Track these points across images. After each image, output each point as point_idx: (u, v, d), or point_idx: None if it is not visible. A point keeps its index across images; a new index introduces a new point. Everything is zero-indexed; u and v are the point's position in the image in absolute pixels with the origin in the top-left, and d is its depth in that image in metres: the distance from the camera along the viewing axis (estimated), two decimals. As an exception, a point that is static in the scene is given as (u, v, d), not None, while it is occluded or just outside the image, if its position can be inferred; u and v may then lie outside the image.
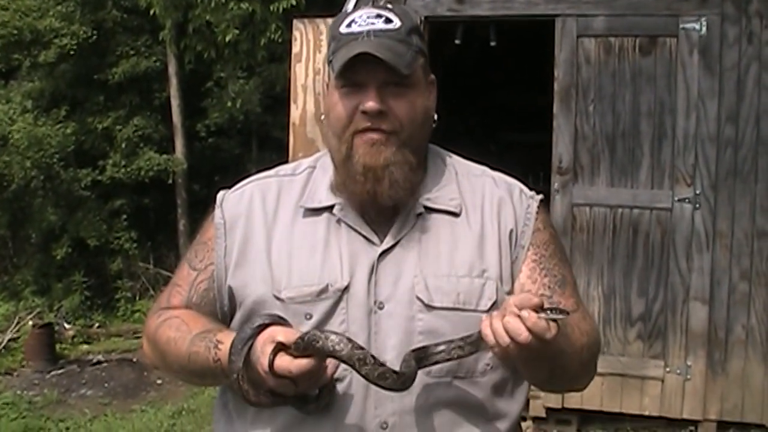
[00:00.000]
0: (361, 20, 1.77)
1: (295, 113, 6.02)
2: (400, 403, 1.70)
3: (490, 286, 1.77)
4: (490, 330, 1.53)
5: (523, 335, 1.48)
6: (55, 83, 11.61)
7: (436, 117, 1.88)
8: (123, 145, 11.14)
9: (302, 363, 1.55)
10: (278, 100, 9.88)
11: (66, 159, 10.97)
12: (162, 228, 12.03)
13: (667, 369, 5.64)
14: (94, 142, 11.45)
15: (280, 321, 1.66)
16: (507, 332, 1.50)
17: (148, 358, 1.92)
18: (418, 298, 1.73)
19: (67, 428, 6.81)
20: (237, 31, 10.28)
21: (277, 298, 1.74)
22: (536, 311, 1.50)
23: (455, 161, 1.93)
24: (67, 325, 9.95)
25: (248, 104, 11.12)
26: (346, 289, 1.73)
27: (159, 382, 7.96)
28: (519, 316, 1.49)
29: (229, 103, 11.09)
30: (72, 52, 11.10)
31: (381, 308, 1.73)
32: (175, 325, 1.79)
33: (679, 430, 5.63)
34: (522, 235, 1.84)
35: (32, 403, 7.51)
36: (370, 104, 1.72)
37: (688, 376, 5.62)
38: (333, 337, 1.55)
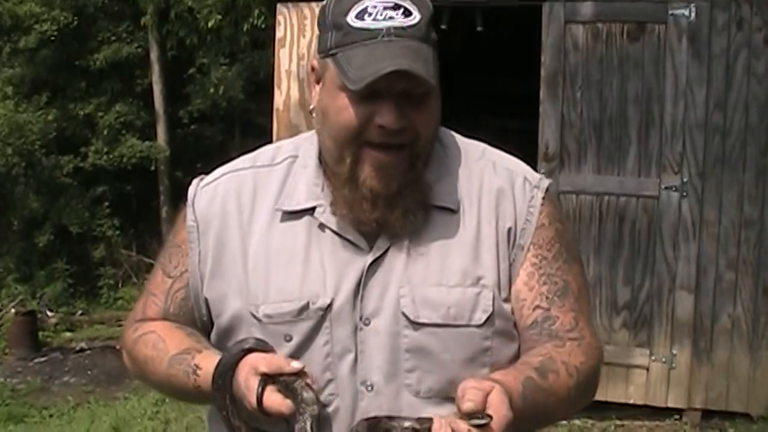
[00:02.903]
0: (376, 12, 1.51)
1: (278, 99, 5.97)
2: None
3: (485, 296, 1.57)
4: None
5: None
6: (36, 69, 11.52)
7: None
8: (105, 132, 11.08)
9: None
10: (261, 86, 9.81)
11: (47, 146, 10.91)
12: (144, 215, 11.98)
13: (653, 357, 5.63)
14: (76, 128, 11.39)
15: (260, 345, 1.53)
16: None
17: (129, 371, 1.77)
18: (404, 314, 1.55)
19: (51, 415, 6.78)
20: (219, 17, 10.22)
21: (254, 317, 1.57)
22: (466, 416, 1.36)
23: (453, 142, 1.70)
24: (49, 313, 9.91)
25: (231, 91, 11.07)
26: (329, 307, 1.55)
27: (142, 370, 7.91)
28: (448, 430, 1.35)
29: (212, 90, 11.04)
30: (53, 38, 11.03)
31: (367, 324, 1.56)
32: (151, 342, 1.65)
33: (663, 418, 5.63)
34: (522, 233, 1.62)
35: (15, 391, 7.49)
36: (390, 120, 1.50)
37: (674, 365, 5.61)
38: (306, 397, 1.44)
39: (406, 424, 1.42)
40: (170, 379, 1.60)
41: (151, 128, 11.70)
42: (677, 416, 5.64)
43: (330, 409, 1.55)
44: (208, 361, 1.54)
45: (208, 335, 1.68)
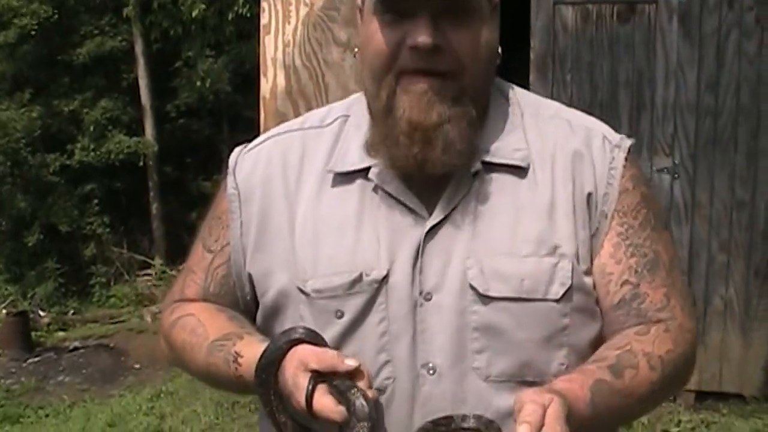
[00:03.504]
0: None
1: (265, 87, 5.92)
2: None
3: (563, 266, 1.39)
4: None
5: None
6: (17, 65, 11.42)
7: (500, 51, 1.47)
8: (91, 128, 11.01)
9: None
10: (248, 78, 9.79)
11: (33, 144, 10.85)
12: (135, 212, 11.94)
13: (647, 340, 5.63)
14: (61, 125, 11.31)
15: (311, 336, 1.36)
16: None
17: (166, 357, 1.63)
18: (472, 287, 1.37)
19: (47, 415, 6.74)
20: (204, 6, 10.14)
21: (302, 292, 1.42)
22: None
23: (520, 96, 1.53)
24: (41, 313, 9.86)
25: (218, 83, 11.03)
26: (385, 279, 1.39)
27: (137, 366, 7.92)
28: None
29: (199, 83, 11.00)
30: (33, 33, 10.91)
31: (428, 299, 1.38)
32: (190, 326, 1.51)
33: (659, 401, 5.63)
34: (605, 199, 1.43)
35: (10, 392, 7.43)
36: (423, 38, 1.33)
37: (668, 347, 5.61)
38: (359, 409, 1.27)
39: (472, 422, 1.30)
40: (209, 367, 1.47)
41: (138, 123, 11.66)
42: (671, 398, 5.65)
43: (386, 395, 1.39)
44: (250, 348, 1.39)
45: (252, 317, 1.54)
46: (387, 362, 1.39)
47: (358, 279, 1.39)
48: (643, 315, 1.43)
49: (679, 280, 1.49)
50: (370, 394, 1.31)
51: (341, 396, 1.28)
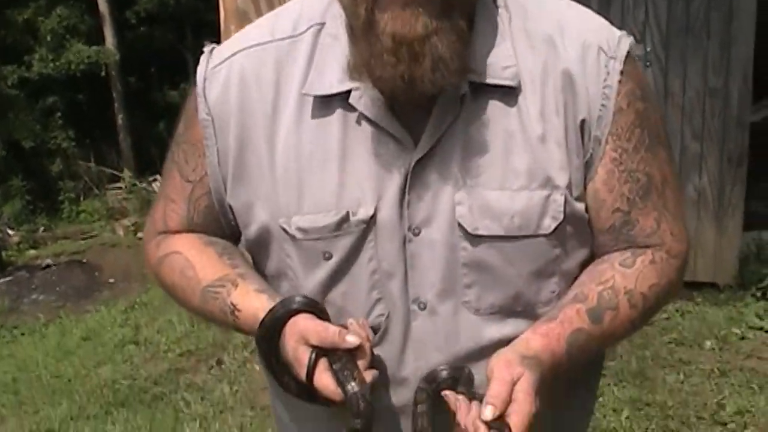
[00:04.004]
0: None
1: (223, -17, 5.75)
2: (446, 351, 1.37)
3: (555, 200, 1.33)
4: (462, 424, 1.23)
5: None
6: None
7: None
8: (48, 38, 10.75)
9: None
10: (209, -18, 9.53)
11: (-12, 56, 10.58)
12: (100, 124, 11.78)
13: (621, 232, 5.63)
14: (16, 36, 11.02)
15: (310, 305, 1.31)
16: None
17: (159, 285, 1.56)
18: (460, 225, 1.32)
19: (22, 334, 6.77)
20: None
21: (286, 232, 1.36)
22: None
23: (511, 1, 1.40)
24: (10, 232, 9.80)
25: (179, -12, 10.77)
26: (373, 217, 1.33)
27: (111, 281, 7.92)
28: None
29: (158, -12, 10.72)
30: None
31: (417, 234, 1.33)
32: (178, 267, 1.45)
33: (634, 292, 5.67)
34: (598, 122, 1.35)
35: (-17, 313, 7.43)
36: None
37: (642, 239, 5.62)
38: (351, 396, 1.23)
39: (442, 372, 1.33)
40: (206, 314, 1.43)
41: (98, 32, 11.40)
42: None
43: (379, 332, 1.37)
44: (247, 300, 1.36)
45: (239, 241, 1.50)
46: (379, 300, 1.37)
47: (345, 219, 1.34)
48: (632, 241, 1.40)
49: (673, 201, 1.43)
50: (368, 377, 1.26)
51: (340, 386, 1.25)
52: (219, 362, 5.36)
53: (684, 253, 1.44)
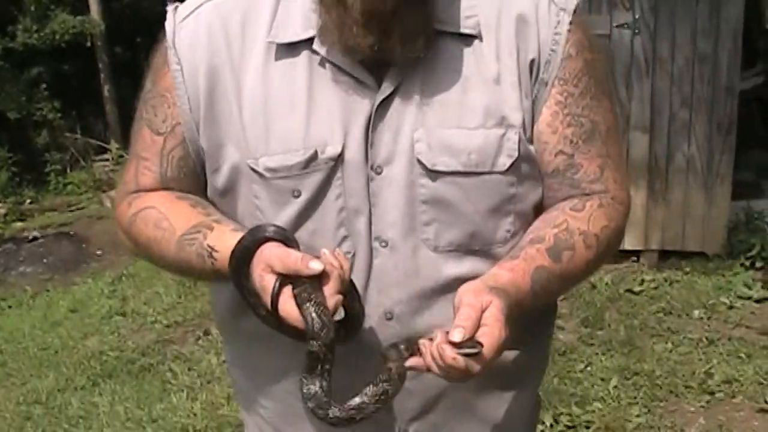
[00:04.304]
0: None
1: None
2: (406, 287, 1.41)
3: (510, 138, 1.39)
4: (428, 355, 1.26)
5: (450, 375, 1.24)
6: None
7: None
8: (32, 8, 10.60)
9: None
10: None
11: (-28, 28, 10.46)
12: (86, 95, 11.67)
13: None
14: (0, 6, 10.88)
15: (280, 234, 1.32)
16: (434, 371, 1.25)
17: (129, 250, 1.58)
18: (419, 162, 1.37)
19: (9, 306, 6.73)
20: None
21: (255, 171, 1.39)
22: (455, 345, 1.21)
23: None
24: (-3, 204, 9.73)
25: (166, -45, 10.63)
26: (340, 155, 1.37)
27: (99, 252, 7.88)
28: (437, 356, 1.23)
29: (144, -45, 10.59)
30: None
31: (379, 173, 1.38)
32: (152, 220, 1.45)
33: (621, 261, 5.67)
34: (546, 66, 1.41)
35: (-29, 285, 7.39)
36: None
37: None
38: (312, 326, 1.23)
39: (400, 345, 1.32)
40: (182, 263, 1.43)
41: (83, 2, 11.24)
42: (634, 258, 5.69)
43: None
44: (223, 240, 1.36)
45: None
46: (346, 237, 1.41)
47: (314, 157, 1.37)
48: (577, 185, 1.45)
49: (615, 151, 1.50)
50: (331, 302, 1.26)
51: (300, 309, 1.25)
52: (206, 333, 5.35)
53: (627, 201, 1.51)
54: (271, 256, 1.28)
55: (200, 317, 5.60)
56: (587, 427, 3.92)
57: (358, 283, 1.38)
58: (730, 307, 5.00)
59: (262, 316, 1.34)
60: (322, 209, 1.40)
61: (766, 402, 4.00)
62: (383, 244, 1.41)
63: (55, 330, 5.89)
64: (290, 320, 1.25)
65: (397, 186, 1.39)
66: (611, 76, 5.48)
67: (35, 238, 8.66)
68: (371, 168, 1.39)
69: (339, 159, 1.38)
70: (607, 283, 5.40)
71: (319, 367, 1.28)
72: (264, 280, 1.28)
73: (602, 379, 4.31)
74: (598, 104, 1.46)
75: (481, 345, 1.22)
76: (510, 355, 1.49)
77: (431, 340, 1.26)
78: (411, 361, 1.29)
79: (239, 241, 1.32)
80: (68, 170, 10.93)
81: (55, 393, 4.87)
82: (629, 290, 5.32)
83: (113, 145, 10.75)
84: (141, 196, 1.50)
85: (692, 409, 4.04)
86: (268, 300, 1.27)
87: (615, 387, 4.22)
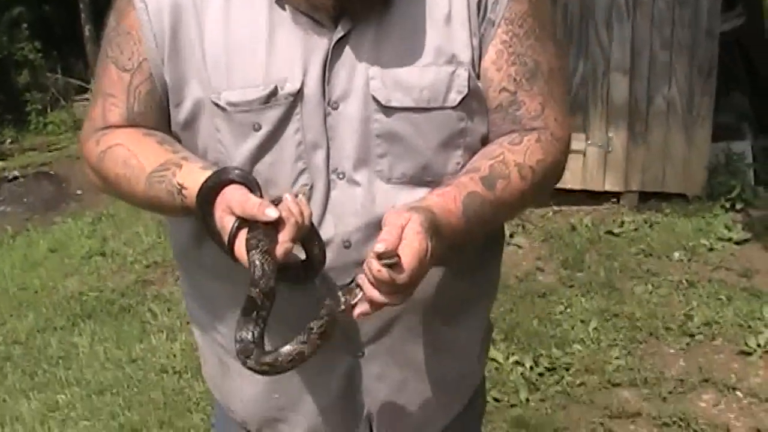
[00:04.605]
0: None
1: None
2: (363, 216, 1.48)
3: (460, 75, 1.46)
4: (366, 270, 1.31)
5: (382, 289, 1.29)
6: None
7: None
8: (11, -52, 10.45)
9: None
10: None
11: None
12: (67, 36, 11.55)
13: (588, 142, 5.61)
14: (-21, -54, 10.74)
15: (243, 177, 1.37)
16: (366, 288, 1.31)
17: (98, 187, 1.60)
18: (374, 99, 1.45)
19: (-11, 246, 6.69)
20: None
21: (217, 105, 1.44)
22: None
23: None
24: (-23, 144, 9.65)
25: None
26: (300, 91, 1.43)
27: (79, 192, 7.85)
28: (367, 270, 1.29)
29: None
30: None
31: (335, 108, 1.45)
32: (121, 158, 1.47)
33: (601, 202, 5.68)
34: (494, 6, 1.48)
35: (-51, 225, 7.36)
36: None
37: (610, 149, 5.61)
38: (255, 273, 1.29)
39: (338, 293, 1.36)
40: (152, 200, 1.47)
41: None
42: (614, 199, 5.70)
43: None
44: (192, 177, 1.40)
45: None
46: (304, 170, 1.47)
47: (274, 92, 1.43)
48: (518, 122, 1.52)
49: (558, 90, 1.56)
50: (280, 249, 1.31)
51: (247, 254, 1.30)
52: (186, 274, 5.34)
53: (567, 138, 1.57)
54: (232, 199, 1.33)
55: (180, 258, 5.60)
56: (567, 369, 3.95)
57: (316, 214, 1.46)
58: (710, 249, 5.02)
59: (226, 252, 1.37)
60: (281, 143, 1.45)
61: (746, 344, 4.03)
62: (340, 176, 1.48)
63: (35, 270, 5.89)
64: (242, 262, 1.31)
65: (353, 121, 1.45)
66: (586, 18, 5.46)
67: (15, 178, 8.63)
68: (328, 104, 1.45)
69: (298, 95, 1.44)
70: (587, 225, 5.41)
71: (255, 313, 1.34)
72: (224, 220, 1.34)
73: (582, 321, 4.33)
74: (542, 46, 1.52)
75: (398, 255, 1.28)
76: (459, 283, 1.58)
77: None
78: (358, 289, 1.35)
79: (204, 182, 1.37)
80: (49, 110, 10.86)
81: (35, 333, 4.89)
82: (609, 232, 5.34)
83: (93, 85, 10.66)
84: (108, 133, 1.52)
85: (672, 351, 4.08)
86: (226, 239, 1.32)
87: (595, 329, 4.25)
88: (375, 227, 1.44)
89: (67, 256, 6.05)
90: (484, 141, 1.53)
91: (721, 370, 3.90)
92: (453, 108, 1.47)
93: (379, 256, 1.27)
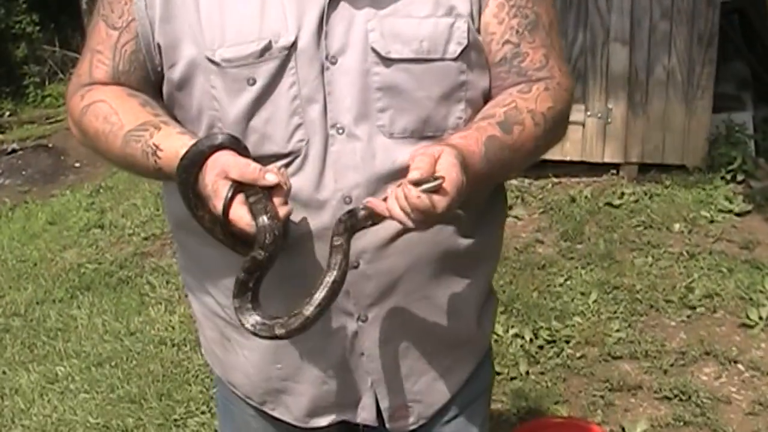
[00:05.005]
0: None
1: None
2: (364, 171, 1.49)
3: (459, 26, 1.48)
4: (394, 201, 1.33)
5: (411, 219, 1.31)
6: None
7: None
8: None
9: None
10: None
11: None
12: (64, 8, 11.44)
13: (588, 113, 5.56)
14: None
15: (233, 143, 1.40)
16: (396, 215, 1.33)
17: (79, 141, 1.65)
18: (374, 50, 1.46)
19: (-12, 219, 6.68)
20: None
21: (211, 61, 1.46)
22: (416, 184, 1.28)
23: None
24: (-25, 117, 9.62)
25: None
26: (294, 45, 1.45)
27: (77, 165, 7.83)
28: (401, 196, 1.30)
29: None
30: None
31: (334, 63, 1.46)
32: (102, 114, 1.51)
33: (601, 174, 5.64)
34: None
35: (-52, 197, 7.33)
36: None
37: (609, 120, 5.56)
38: (261, 225, 1.33)
39: (361, 211, 1.41)
40: (127, 158, 1.50)
41: None
42: (614, 171, 5.66)
43: (300, 157, 1.49)
44: (168, 141, 1.44)
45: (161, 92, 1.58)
46: (299, 125, 1.47)
47: (268, 46, 1.44)
48: (523, 73, 1.53)
49: (558, 42, 1.59)
50: (282, 211, 1.36)
51: (252, 213, 1.34)
52: (184, 246, 5.33)
53: (572, 88, 1.61)
54: (229, 163, 1.36)
55: (179, 230, 5.58)
56: (567, 342, 3.95)
57: (314, 171, 1.48)
58: (711, 221, 4.99)
59: (199, 217, 1.43)
60: (276, 97, 1.46)
61: (747, 317, 4.02)
62: (340, 130, 1.48)
63: (34, 242, 5.88)
64: (240, 224, 1.35)
65: (352, 74, 1.46)
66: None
67: (14, 151, 8.58)
68: (326, 58, 1.46)
69: (292, 48, 1.44)
70: (586, 197, 5.39)
71: (258, 272, 1.39)
72: (217, 184, 1.36)
73: (582, 294, 4.32)
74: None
75: (443, 177, 1.28)
76: (464, 241, 1.60)
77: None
78: (373, 203, 1.38)
79: (195, 144, 1.40)
80: (46, 83, 10.82)
81: (34, 305, 4.89)
82: (609, 203, 5.31)
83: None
84: (93, 89, 1.56)
85: (673, 323, 4.07)
86: (220, 205, 1.35)
87: (595, 301, 4.24)
88: (375, 183, 1.48)
89: (65, 229, 6.03)
90: (485, 96, 1.55)
91: (722, 342, 3.89)
92: (453, 59, 1.48)
93: (417, 183, 1.27)
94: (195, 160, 1.38)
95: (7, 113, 10.18)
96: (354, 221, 1.41)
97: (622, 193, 5.39)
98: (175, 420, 3.69)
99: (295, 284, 1.51)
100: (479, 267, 1.70)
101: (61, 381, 4.10)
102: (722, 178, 5.42)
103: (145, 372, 4.06)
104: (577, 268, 4.60)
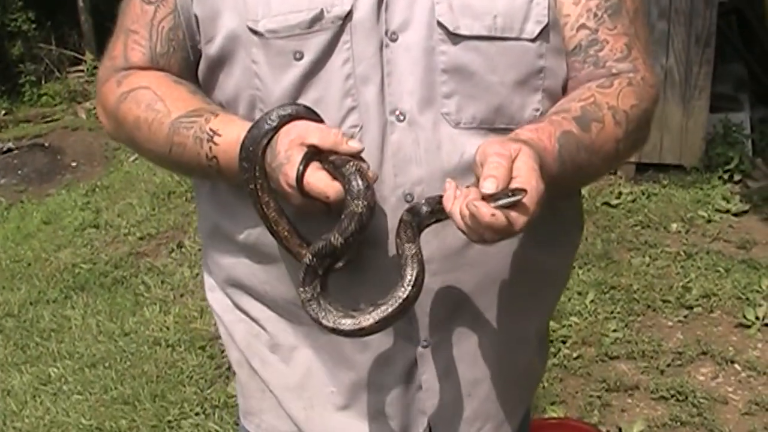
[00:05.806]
0: None
1: None
2: (427, 165, 1.27)
3: (539, 3, 1.27)
4: (458, 214, 1.11)
5: (486, 237, 1.08)
6: None
7: None
8: None
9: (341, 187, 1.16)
10: None
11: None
12: (61, 5, 11.42)
13: (587, 114, 5.54)
14: None
15: (309, 114, 1.23)
16: (469, 230, 1.10)
17: (110, 133, 1.45)
18: (440, 24, 1.25)
19: (-17, 218, 6.67)
20: None
21: (254, 32, 1.26)
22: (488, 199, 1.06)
23: None
24: (-29, 115, 9.60)
25: None
26: (349, 15, 1.24)
27: (73, 164, 7.82)
28: (473, 212, 1.07)
29: None
30: None
31: (394, 40, 1.26)
32: (145, 101, 1.33)
33: (599, 174, 5.62)
34: None
35: (-56, 194, 7.32)
36: None
37: (608, 120, 5.54)
38: (355, 187, 1.15)
39: (423, 207, 1.22)
40: (173, 147, 1.31)
41: None
42: (612, 171, 5.64)
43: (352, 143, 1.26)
44: (230, 126, 1.27)
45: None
46: (353, 108, 1.27)
47: (319, 16, 1.25)
48: (601, 64, 1.32)
49: (643, 33, 1.35)
50: (370, 174, 1.19)
51: (337, 172, 1.17)
52: (179, 245, 5.32)
53: (659, 86, 1.36)
54: (308, 129, 1.20)
55: (173, 230, 5.57)
56: (564, 342, 3.92)
57: (372, 162, 1.25)
58: (708, 221, 4.98)
59: (262, 202, 1.25)
60: (326, 75, 1.27)
61: (744, 317, 4.00)
62: (400, 117, 1.28)
63: (28, 242, 5.86)
64: (320, 187, 1.17)
65: (415, 52, 1.26)
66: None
67: (9, 150, 8.56)
68: (386, 33, 1.26)
69: (347, 19, 1.25)
70: (583, 196, 5.35)
71: (358, 230, 1.19)
72: (292, 151, 1.19)
73: (579, 293, 4.30)
74: None
75: (524, 191, 1.07)
76: (542, 257, 1.39)
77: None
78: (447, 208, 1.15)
79: (264, 114, 1.23)
80: (43, 81, 10.78)
81: (27, 306, 4.86)
82: (606, 203, 5.29)
83: (88, 56, 10.58)
84: (133, 74, 1.38)
85: (670, 323, 4.05)
86: (293, 172, 1.18)
87: (592, 301, 4.21)
88: (440, 179, 1.25)
89: (60, 228, 6.01)
90: (565, 88, 1.33)
91: (719, 342, 3.87)
92: (531, 40, 1.27)
93: (492, 198, 1.07)
94: (265, 131, 1.22)
95: (3, 112, 10.16)
96: (419, 220, 1.22)
97: (620, 193, 5.37)
98: (169, 421, 3.66)
99: (346, 305, 1.25)
100: (552, 290, 1.51)
101: (54, 382, 4.07)
102: (719, 178, 5.41)
103: (139, 373, 4.03)
104: (574, 267, 4.57)
